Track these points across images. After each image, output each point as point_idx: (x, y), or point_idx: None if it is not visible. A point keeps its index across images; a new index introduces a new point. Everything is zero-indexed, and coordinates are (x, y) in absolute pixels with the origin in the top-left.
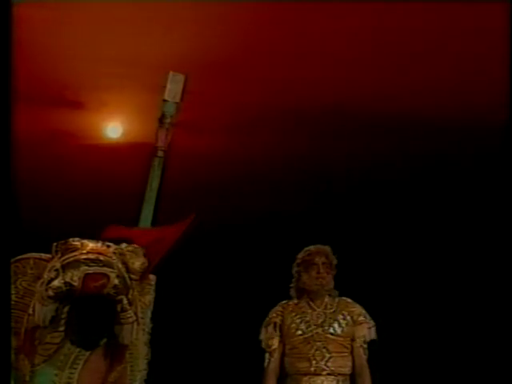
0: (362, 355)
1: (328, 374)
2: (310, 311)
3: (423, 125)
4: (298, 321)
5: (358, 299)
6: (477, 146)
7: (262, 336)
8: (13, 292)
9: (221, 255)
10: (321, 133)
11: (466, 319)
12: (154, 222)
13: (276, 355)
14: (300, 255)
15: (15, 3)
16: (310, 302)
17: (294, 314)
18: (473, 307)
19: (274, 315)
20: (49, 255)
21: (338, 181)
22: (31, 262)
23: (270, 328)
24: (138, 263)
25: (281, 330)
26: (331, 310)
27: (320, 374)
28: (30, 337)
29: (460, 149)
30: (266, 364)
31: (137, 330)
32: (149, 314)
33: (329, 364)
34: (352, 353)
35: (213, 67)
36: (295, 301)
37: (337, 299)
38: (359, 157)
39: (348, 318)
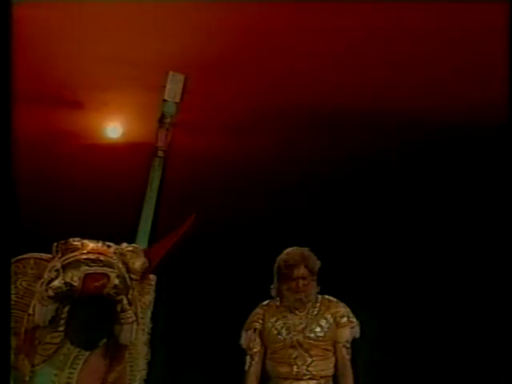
0: (344, 355)
1: (309, 379)
2: (291, 316)
3: (423, 125)
4: (278, 326)
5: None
6: (476, 145)
7: (243, 340)
8: (13, 292)
9: (221, 255)
10: (321, 132)
11: (457, 317)
12: (155, 222)
13: (257, 358)
14: (279, 263)
15: (15, 3)
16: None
17: (274, 319)
18: (464, 307)
19: (255, 319)
20: (49, 255)
21: (338, 180)
22: (32, 262)
23: (251, 332)
24: (138, 263)
25: (261, 335)
26: (314, 313)
27: (301, 379)
28: (29, 337)
29: (460, 149)
30: (246, 367)
31: (136, 330)
32: (149, 314)
33: (310, 368)
34: (335, 353)
35: (212, 67)
36: (277, 302)
37: (320, 299)
38: (359, 156)
39: (331, 320)
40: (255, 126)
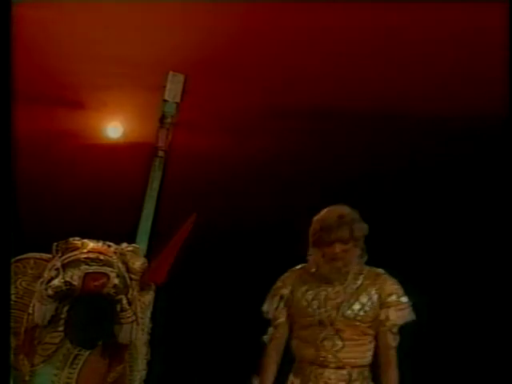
0: (390, 343)
1: (337, 367)
2: (326, 286)
3: (423, 124)
4: (309, 297)
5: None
6: (476, 146)
7: (266, 307)
8: (12, 292)
9: (221, 255)
10: (321, 133)
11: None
12: (155, 222)
13: (281, 331)
14: (314, 224)
15: (15, 3)
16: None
17: (305, 289)
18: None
19: (281, 284)
20: (49, 255)
21: (338, 180)
22: (31, 262)
23: (276, 299)
24: (138, 263)
25: (289, 304)
26: (355, 286)
27: (327, 366)
28: (29, 337)
29: (459, 149)
30: (268, 339)
31: (136, 330)
32: (148, 313)
33: (339, 355)
34: (377, 338)
35: (213, 67)
36: (313, 269)
37: (365, 271)
38: (360, 156)
39: (374, 298)
40: (255, 125)
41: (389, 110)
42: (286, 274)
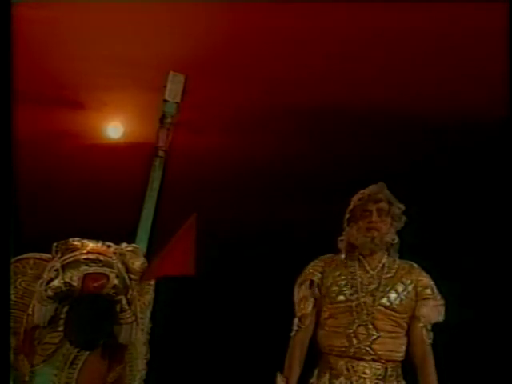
0: (425, 339)
1: (373, 360)
2: (359, 272)
3: (423, 124)
4: (342, 283)
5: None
6: (476, 146)
7: (295, 296)
8: (12, 292)
9: (220, 255)
10: (321, 133)
11: None
12: (155, 222)
13: (307, 323)
14: (354, 198)
15: (15, 3)
16: (363, 261)
17: (337, 273)
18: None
19: (311, 271)
20: (49, 255)
21: (338, 181)
22: (31, 262)
23: (304, 287)
24: (137, 263)
25: (318, 292)
26: (389, 275)
27: (362, 359)
28: (29, 337)
29: (459, 149)
30: (292, 333)
31: (136, 330)
32: (148, 313)
33: (375, 346)
34: (410, 334)
35: (213, 67)
36: (343, 256)
37: (399, 261)
38: (359, 157)
39: (410, 288)
40: (255, 125)
41: (389, 110)
42: (316, 261)
